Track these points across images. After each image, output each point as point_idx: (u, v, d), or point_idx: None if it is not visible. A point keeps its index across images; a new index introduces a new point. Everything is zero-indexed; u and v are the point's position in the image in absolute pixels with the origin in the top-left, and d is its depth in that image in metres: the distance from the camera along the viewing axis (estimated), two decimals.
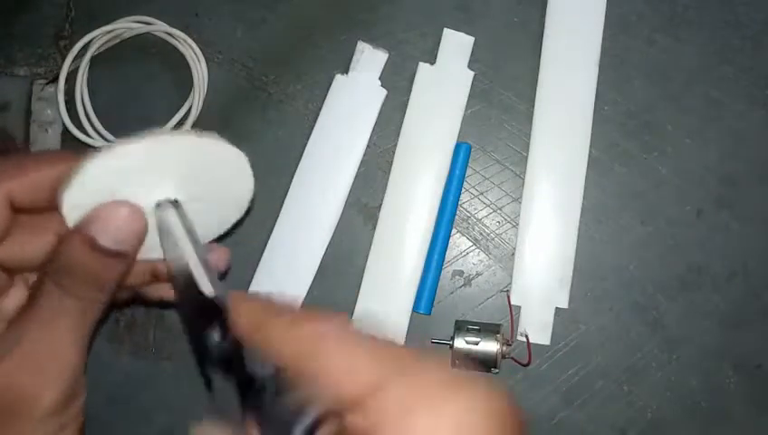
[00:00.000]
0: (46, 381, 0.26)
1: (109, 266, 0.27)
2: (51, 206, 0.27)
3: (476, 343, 0.45)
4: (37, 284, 0.27)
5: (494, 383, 0.21)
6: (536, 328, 0.47)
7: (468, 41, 0.50)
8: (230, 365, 0.26)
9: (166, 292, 0.31)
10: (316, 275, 0.48)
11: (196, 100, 0.49)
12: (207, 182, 0.30)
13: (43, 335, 0.26)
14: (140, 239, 0.27)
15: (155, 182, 0.29)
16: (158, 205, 0.28)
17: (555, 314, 0.47)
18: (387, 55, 0.50)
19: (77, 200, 0.26)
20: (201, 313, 0.26)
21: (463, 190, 0.49)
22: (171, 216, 0.28)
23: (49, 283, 0.27)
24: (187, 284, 0.27)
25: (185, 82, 0.50)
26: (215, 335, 0.26)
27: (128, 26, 0.50)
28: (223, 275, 0.30)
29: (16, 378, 0.26)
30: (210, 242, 0.32)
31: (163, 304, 0.32)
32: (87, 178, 0.26)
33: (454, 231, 0.49)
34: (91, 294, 0.27)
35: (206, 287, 0.27)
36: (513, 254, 0.48)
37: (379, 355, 0.22)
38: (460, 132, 0.49)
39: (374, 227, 0.48)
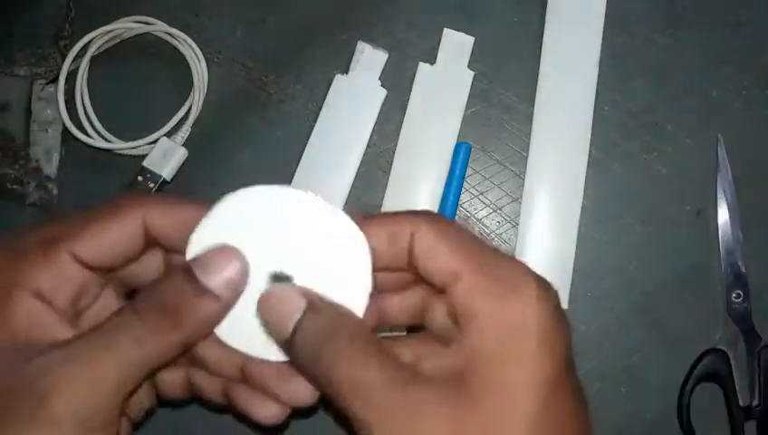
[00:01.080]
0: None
1: (194, 303, 0.26)
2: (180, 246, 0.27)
3: None
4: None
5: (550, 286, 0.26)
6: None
7: (468, 41, 0.50)
8: None
9: (265, 408, 0.29)
10: None
11: (197, 99, 0.49)
12: (323, 264, 0.28)
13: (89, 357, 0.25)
14: (237, 293, 0.27)
15: (272, 249, 0.27)
16: (275, 277, 0.27)
17: None
18: (387, 55, 0.50)
19: (202, 244, 0.27)
20: None
21: (463, 190, 0.49)
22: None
23: (127, 306, 0.26)
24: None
25: (185, 82, 0.50)
26: None
27: (128, 26, 0.50)
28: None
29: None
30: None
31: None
32: (215, 221, 0.27)
33: None
34: (163, 328, 0.25)
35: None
36: (513, 254, 0.48)
37: (457, 249, 0.26)
38: (460, 132, 0.49)
39: None
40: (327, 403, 0.27)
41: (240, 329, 0.27)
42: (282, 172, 0.49)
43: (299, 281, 0.28)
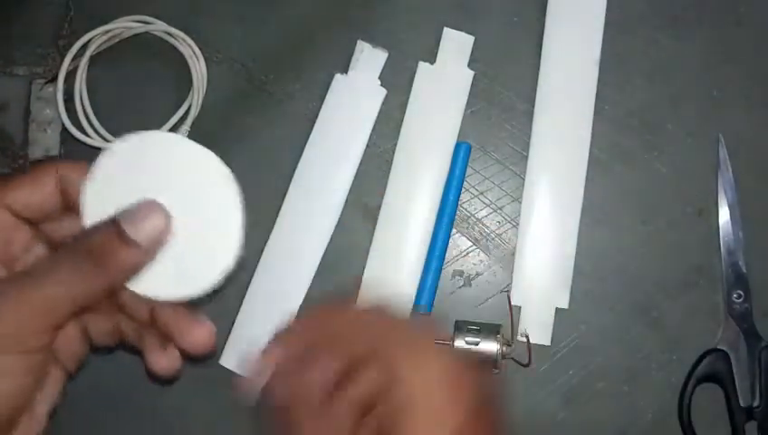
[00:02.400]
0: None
1: (119, 251, 0.27)
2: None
3: (476, 344, 0.45)
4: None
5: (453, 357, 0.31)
6: (536, 328, 0.47)
7: (468, 40, 0.50)
8: None
9: (167, 361, 0.31)
10: (316, 274, 0.48)
11: (196, 99, 0.49)
12: (193, 202, 0.30)
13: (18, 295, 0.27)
14: (159, 245, 0.28)
15: (159, 194, 0.29)
16: None
17: (555, 315, 0.47)
18: (386, 55, 0.49)
19: (98, 197, 0.29)
20: None
21: (463, 190, 0.49)
22: None
23: (58, 250, 0.28)
24: None
25: (184, 82, 0.50)
26: None
27: (127, 26, 0.50)
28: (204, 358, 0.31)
29: None
30: (191, 305, 0.30)
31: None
32: (102, 173, 0.29)
33: (454, 231, 0.49)
34: (88, 272, 0.27)
35: None
36: (513, 254, 0.48)
37: (371, 328, 0.32)
38: (460, 132, 0.49)
39: (374, 227, 0.48)
40: None
41: (148, 275, 0.29)
42: (282, 172, 0.49)
43: (180, 223, 0.29)
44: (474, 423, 0.29)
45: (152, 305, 0.30)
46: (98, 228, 0.28)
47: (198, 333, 0.30)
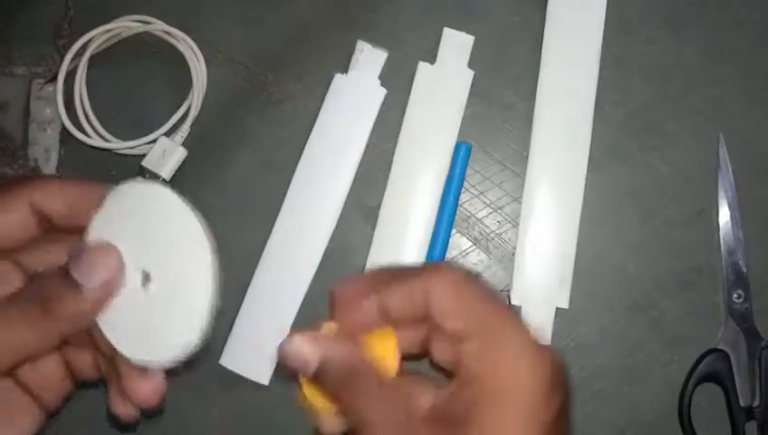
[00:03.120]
0: None
1: (66, 297, 0.27)
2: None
3: None
4: None
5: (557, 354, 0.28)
6: (536, 328, 0.47)
7: (468, 40, 0.50)
8: None
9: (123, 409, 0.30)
10: (316, 275, 0.48)
11: (196, 99, 0.49)
12: (169, 267, 0.28)
13: None
14: (110, 291, 0.28)
15: (146, 246, 0.28)
16: (144, 274, 0.28)
17: (555, 314, 0.47)
18: (386, 55, 0.49)
19: (101, 231, 0.28)
20: None
21: (463, 190, 0.49)
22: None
23: (9, 296, 0.27)
24: None
25: (184, 82, 0.50)
26: None
27: (127, 25, 0.50)
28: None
29: None
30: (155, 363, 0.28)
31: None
32: (106, 212, 0.28)
33: (454, 231, 0.49)
34: (34, 318, 0.27)
35: None
36: (513, 254, 0.48)
37: (469, 310, 0.28)
38: (460, 132, 0.49)
39: (374, 227, 0.48)
40: None
41: (115, 321, 0.28)
42: (281, 172, 0.49)
43: (156, 282, 0.28)
44: (561, 422, 0.27)
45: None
46: (49, 274, 0.27)
47: (143, 387, 0.29)
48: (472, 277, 0.28)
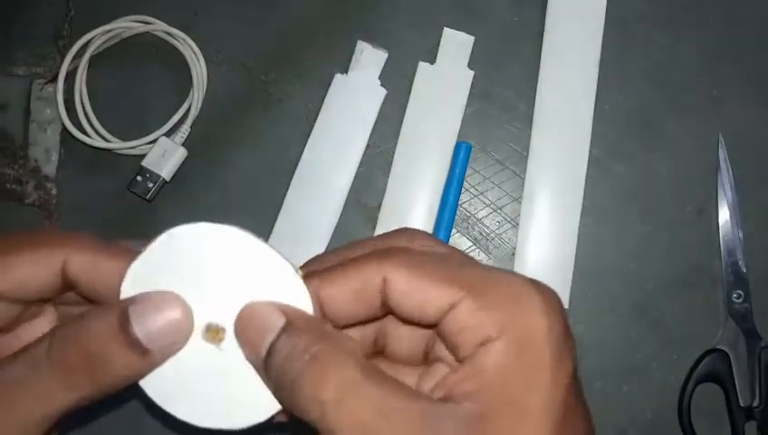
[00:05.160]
0: None
1: (120, 357, 0.23)
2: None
3: None
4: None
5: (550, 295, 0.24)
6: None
7: (468, 40, 0.50)
8: None
9: None
10: None
11: (196, 99, 0.49)
12: (238, 301, 0.25)
13: None
14: (173, 350, 0.24)
15: (209, 296, 0.24)
16: (209, 328, 0.24)
17: None
18: (386, 55, 0.50)
19: (139, 281, 0.24)
20: None
21: (463, 190, 0.49)
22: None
23: (42, 348, 0.23)
24: None
25: (184, 82, 0.50)
26: None
27: (127, 26, 0.50)
28: None
29: None
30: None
31: None
32: (155, 255, 0.24)
33: (454, 231, 0.49)
34: (77, 384, 0.23)
35: None
36: (513, 254, 0.48)
37: (443, 280, 0.24)
38: (460, 132, 0.49)
39: (374, 227, 0.48)
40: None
41: (169, 384, 0.24)
42: (282, 172, 0.49)
43: (231, 334, 0.25)
44: (576, 388, 0.24)
45: None
46: (100, 320, 0.23)
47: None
48: (433, 248, 0.25)
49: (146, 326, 0.23)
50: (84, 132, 0.49)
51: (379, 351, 0.28)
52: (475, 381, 0.22)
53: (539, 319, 0.23)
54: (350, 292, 0.24)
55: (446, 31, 0.50)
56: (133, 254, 0.25)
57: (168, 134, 0.49)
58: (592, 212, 0.48)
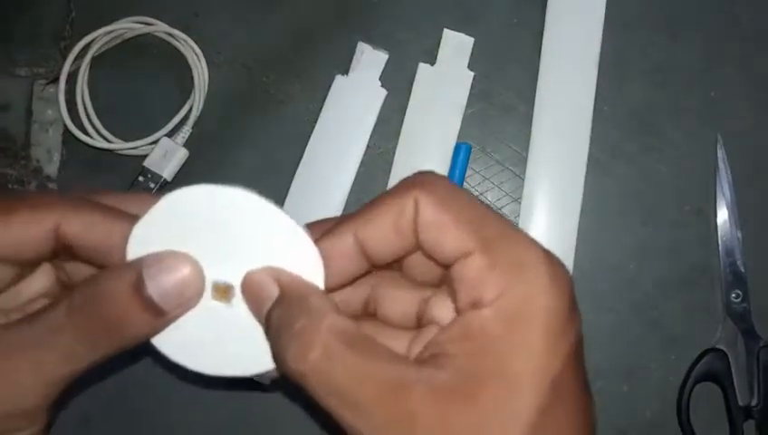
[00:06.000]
0: None
1: (138, 319, 0.24)
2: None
3: None
4: (57, 298, 0.24)
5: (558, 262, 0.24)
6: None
7: (468, 41, 0.50)
8: None
9: None
10: None
11: (197, 100, 0.49)
12: (248, 259, 0.25)
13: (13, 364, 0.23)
14: (186, 308, 0.25)
15: (214, 254, 0.25)
16: (216, 286, 0.25)
17: None
18: (387, 56, 0.50)
19: (144, 242, 0.24)
20: None
21: None
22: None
23: (62, 310, 0.24)
24: None
25: (185, 83, 0.50)
26: None
27: (128, 27, 0.50)
28: None
29: None
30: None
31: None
32: (159, 216, 0.25)
33: None
34: (98, 344, 0.24)
35: None
36: None
37: (464, 223, 0.24)
38: (460, 132, 0.49)
39: None
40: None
41: (179, 339, 0.25)
42: (282, 172, 0.49)
43: (239, 291, 0.25)
44: (581, 345, 0.23)
45: None
46: (115, 281, 0.24)
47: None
48: (456, 188, 0.25)
49: (160, 287, 0.24)
50: (86, 133, 0.49)
51: (370, 313, 0.28)
52: (460, 346, 0.23)
53: (538, 293, 0.23)
54: (388, 225, 0.25)
55: (446, 32, 0.50)
56: (131, 216, 0.25)
57: (169, 135, 0.49)
58: (592, 212, 0.48)
